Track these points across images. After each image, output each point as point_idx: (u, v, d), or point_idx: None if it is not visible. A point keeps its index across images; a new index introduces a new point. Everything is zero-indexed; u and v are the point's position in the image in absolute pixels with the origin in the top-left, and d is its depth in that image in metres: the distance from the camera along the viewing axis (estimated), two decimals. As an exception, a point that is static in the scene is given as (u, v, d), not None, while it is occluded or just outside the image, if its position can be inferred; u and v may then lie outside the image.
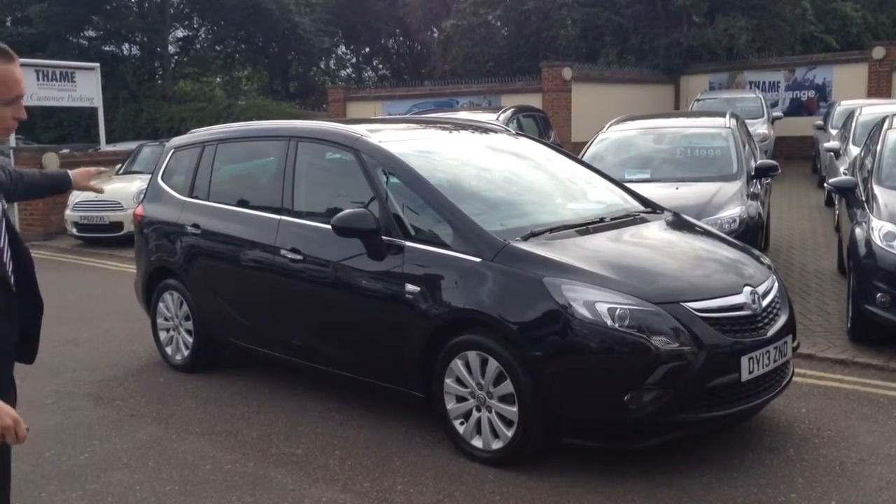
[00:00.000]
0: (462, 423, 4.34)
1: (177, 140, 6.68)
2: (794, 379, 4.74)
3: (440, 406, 4.41)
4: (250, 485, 4.10)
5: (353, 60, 38.92)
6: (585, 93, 19.59)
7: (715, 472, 4.04)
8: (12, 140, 20.14)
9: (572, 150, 7.32)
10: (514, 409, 4.09)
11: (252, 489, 4.05)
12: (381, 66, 38.80)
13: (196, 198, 5.97)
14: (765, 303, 4.32)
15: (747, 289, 4.26)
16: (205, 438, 4.72)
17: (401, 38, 35.97)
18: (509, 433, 4.13)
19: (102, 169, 3.44)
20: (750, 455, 4.23)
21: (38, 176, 3.28)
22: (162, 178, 6.35)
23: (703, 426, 4.11)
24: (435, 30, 31.14)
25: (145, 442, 4.62)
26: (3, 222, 2.43)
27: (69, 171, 3.35)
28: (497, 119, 10.16)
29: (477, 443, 4.27)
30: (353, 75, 38.42)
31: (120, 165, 14.41)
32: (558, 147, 6.68)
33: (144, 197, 6.52)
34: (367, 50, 37.43)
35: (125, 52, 30.85)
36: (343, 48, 37.52)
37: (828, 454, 4.24)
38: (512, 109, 11.84)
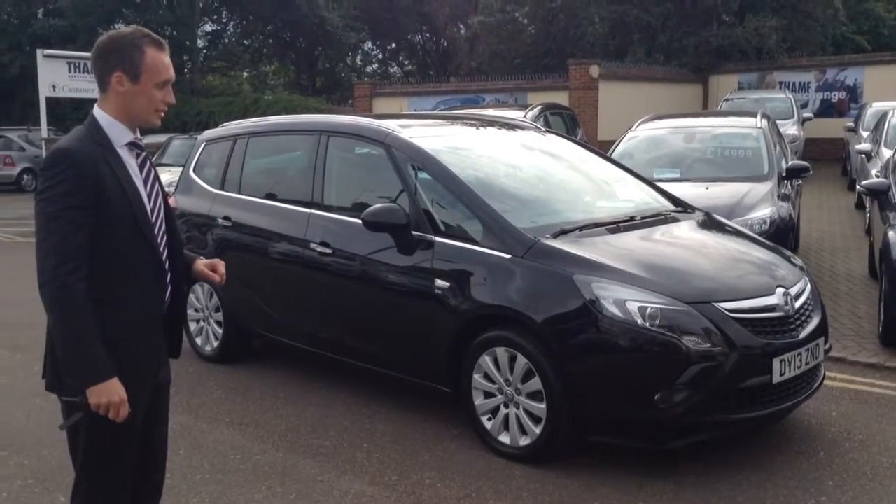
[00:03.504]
0: (490, 419, 4.34)
1: (209, 133, 6.74)
2: (825, 382, 4.70)
3: (468, 402, 4.42)
4: (280, 475, 4.13)
5: (380, 56, 39.01)
6: (613, 91, 19.51)
7: (745, 473, 4.02)
8: (44, 130, 20.49)
9: (599, 149, 7.29)
10: (542, 406, 4.08)
11: (281, 479, 4.09)
12: (406, 62, 38.86)
13: (227, 190, 6.02)
14: (797, 304, 4.29)
15: (780, 290, 4.23)
16: (234, 428, 4.77)
17: (427, 35, 35.98)
18: (537, 430, 4.12)
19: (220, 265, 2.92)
20: (780, 457, 4.20)
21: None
22: (194, 171, 6.40)
23: (733, 427, 4.10)
24: (462, 26, 31.18)
25: (176, 431, 4.62)
26: (163, 212, 2.61)
27: (198, 260, 2.90)
28: (525, 116, 10.14)
29: (504, 439, 4.28)
30: (379, 71, 38.50)
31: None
32: (587, 145, 6.66)
33: (176, 189, 6.58)
34: (394, 46, 37.49)
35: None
36: (369, 44, 37.61)
37: (858, 458, 4.20)
38: (540, 107, 11.82)
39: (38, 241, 2.39)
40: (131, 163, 2.53)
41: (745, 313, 4.02)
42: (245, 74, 39.17)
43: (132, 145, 2.54)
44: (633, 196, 5.40)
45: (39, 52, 20.27)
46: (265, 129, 6.19)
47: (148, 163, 2.60)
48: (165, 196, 2.67)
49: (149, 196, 2.55)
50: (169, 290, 2.65)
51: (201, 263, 2.87)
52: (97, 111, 2.52)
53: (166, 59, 2.52)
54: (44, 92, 20.01)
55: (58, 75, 20.07)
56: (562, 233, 4.41)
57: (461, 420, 4.55)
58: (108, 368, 2.39)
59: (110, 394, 2.38)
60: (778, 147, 8.32)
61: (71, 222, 2.35)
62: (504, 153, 5.61)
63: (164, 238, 2.61)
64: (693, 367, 3.83)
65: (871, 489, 3.87)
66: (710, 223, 5.13)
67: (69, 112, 26.24)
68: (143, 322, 2.54)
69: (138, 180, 2.53)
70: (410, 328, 4.67)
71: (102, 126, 2.49)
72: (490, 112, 10.74)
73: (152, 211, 2.56)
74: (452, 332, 4.40)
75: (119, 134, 2.50)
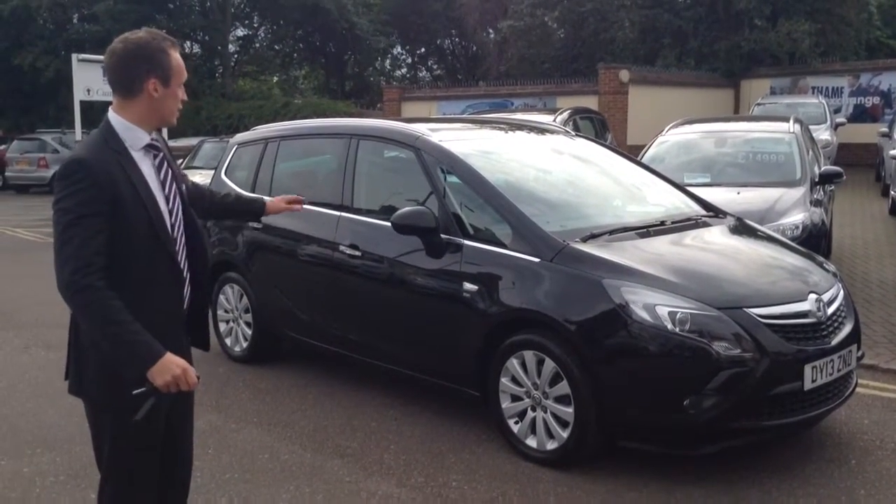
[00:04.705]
0: (517, 423, 4.34)
1: (240, 136, 6.80)
2: (857, 390, 4.63)
3: (495, 405, 4.42)
4: (307, 475, 4.16)
5: (409, 60, 39.15)
6: (643, 95, 19.41)
7: (775, 481, 3.97)
8: (78, 133, 20.82)
9: (628, 153, 7.25)
10: (570, 410, 4.07)
11: (309, 480, 4.11)
12: (435, 66, 38.96)
13: (258, 193, 6.05)
14: (830, 311, 4.24)
15: (812, 296, 4.18)
16: (262, 428, 4.81)
17: (456, 39, 36.06)
18: (564, 434, 4.11)
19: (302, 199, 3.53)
20: (811, 465, 4.16)
21: (231, 200, 3.41)
22: (225, 174, 6.46)
23: (763, 434, 4.06)
24: (491, 31, 31.17)
25: (205, 430, 4.70)
26: (181, 212, 2.63)
27: (265, 199, 3.25)
28: (554, 120, 10.11)
29: (531, 442, 4.27)
30: (408, 75, 38.63)
31: (181, 161, 14.75)
32: (617, 149, 6.63)
33: (207, 191, 6.64)
34: (423, 50, 37.63)
35: (187, 50, 31.58)
36: (399, 48, 37.78)
37: (890, 467, 4.14)
38: (569, 111, 11.78)
39: (56, 248, 2.41)
40: (147, 165, 2.54)
41: (776, 319, 3.98)
42: (275, 79, 39.52)
43: (149, 147, 2.55)
44: (664, 200, 5.37)
45: (74, 56, 20.60)
46: (296, 132, 6.24)
47: (165, 164, 2.61)
48: (185, 197, 2.67)
49: (167, 198, 2.56)
50: (189, 290, 2.66)
51: (278, 199, 3.16)
52: (113, 116, 2.53)
53: (181, 58, 2.59)
54: (78, 95, 20.31)
55: (92, 79, 20.36)
56: (591, 237, 4.40)
57: (488, 423, 4.55)
58: (156, 346, 2.39)
59: (171, 368, 2.38)
60: (811, 152, 8.22)
61: (87, 230, 2.37)
62: (533, 157, 5.61)
63: (183, 238, 2.62)
64: (723, 372, 3.80)
65: (904, 499, 3.81)
66: (741, 228, 5.09)
67: (100, 115, 26.46)
68: (162, 323, 2.53)
69: (154, 184, 2.54)
70: (438, 331, 4.68)
71: (118, 131, 2.50)
72: (519, 116, 10.74)
73: (170, 212, 2.57)
74: (480, 335, 4.40)
75: (136, 138, 2.51)
